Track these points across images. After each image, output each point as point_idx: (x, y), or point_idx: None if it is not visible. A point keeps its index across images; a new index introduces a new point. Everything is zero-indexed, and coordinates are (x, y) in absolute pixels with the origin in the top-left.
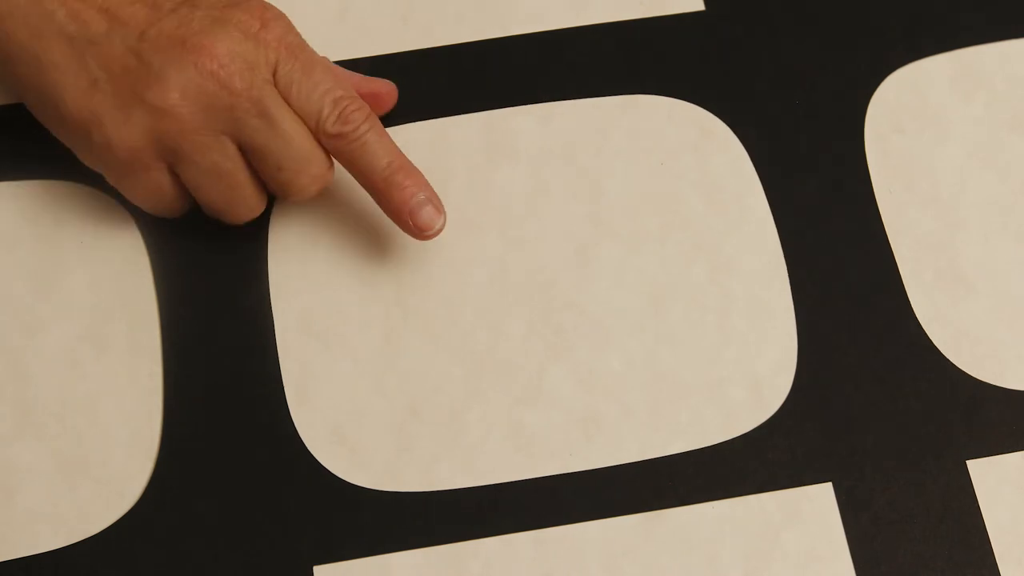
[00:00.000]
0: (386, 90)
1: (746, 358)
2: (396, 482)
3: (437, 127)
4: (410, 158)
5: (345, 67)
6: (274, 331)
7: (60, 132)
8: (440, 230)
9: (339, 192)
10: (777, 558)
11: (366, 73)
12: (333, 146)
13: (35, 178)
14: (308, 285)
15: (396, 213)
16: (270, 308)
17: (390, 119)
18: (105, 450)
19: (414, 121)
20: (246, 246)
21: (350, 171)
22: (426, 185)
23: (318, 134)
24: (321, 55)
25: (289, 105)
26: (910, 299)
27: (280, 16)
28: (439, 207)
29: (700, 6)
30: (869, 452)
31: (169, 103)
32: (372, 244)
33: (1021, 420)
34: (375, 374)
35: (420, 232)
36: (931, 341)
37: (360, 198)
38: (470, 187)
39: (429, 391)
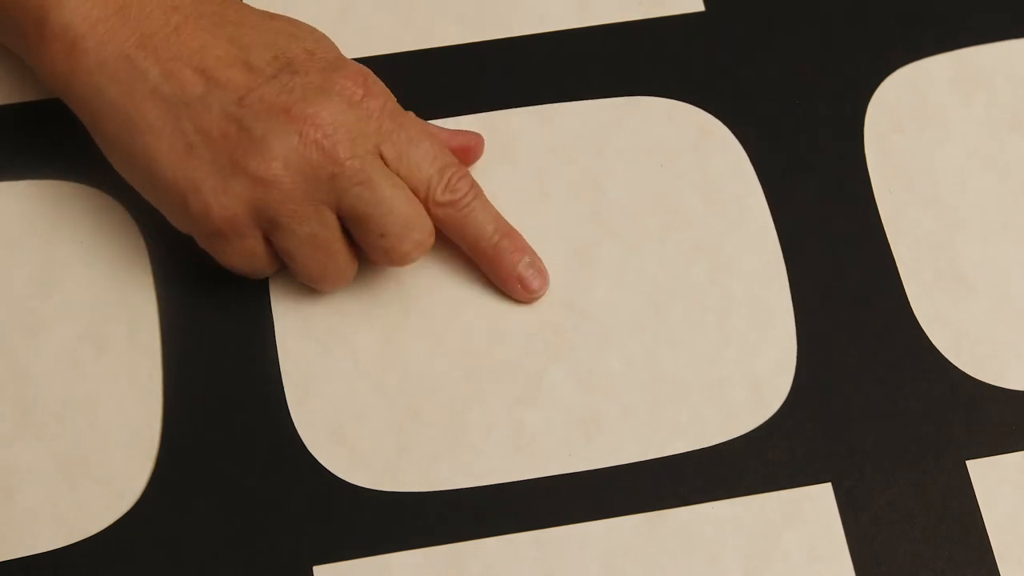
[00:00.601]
0: (475, 143)
1: (746, 358)
2: (396, 482)
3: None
4: None
5: None
6: (274, 331)
7: (151, 196)
8: (543, 292)
9: None
10: (777, 558)
11: None
12: (441, 214)
13: (35, 178)
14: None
15: (505, 279)
16: (270, 308)
17: None
18: (105, 450)
19: None
20: None
21: (456, 238)
22: (529, 249)
23: (427, 203)
24: (415, 116)
25: (399, 175)
26: (910, 299)
27: (379, 82)
28: (542, 269)
29: (700, 7)
30: (869, 452)
31: (272, 173)
32: None
33: (1021, 420)
34: (375, 374)
35: (528, 295)
36: (931, 341)
37: None
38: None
39: (429, 391)
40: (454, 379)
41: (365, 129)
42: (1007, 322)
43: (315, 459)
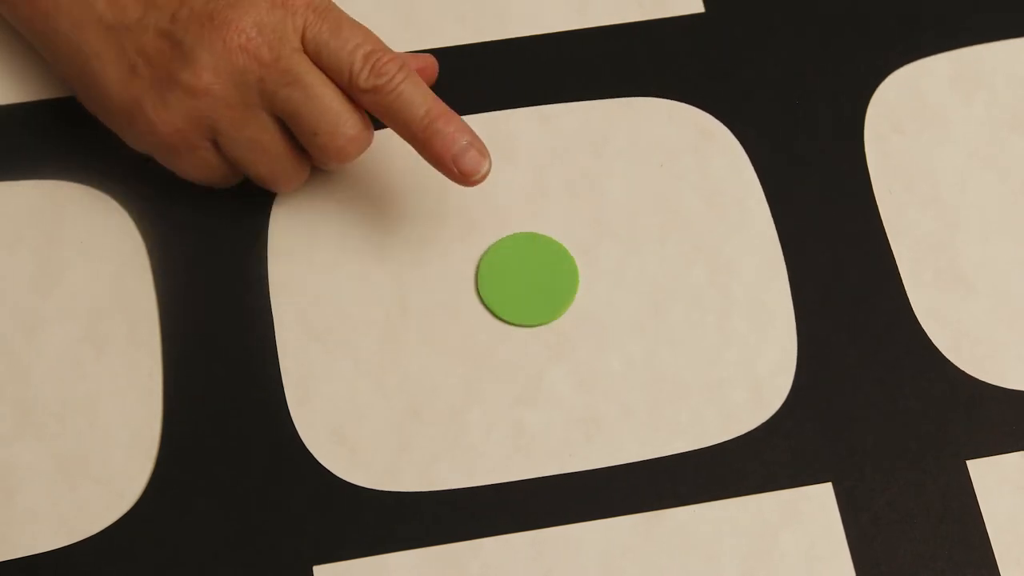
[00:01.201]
0: (422, 65)
1: (746, 358)
2: (396, 482)
3: None
4: (410, 158)
5: None
6: (274, 331)
7: (108, 120)
8: (486, 175)
9: (340, 192)
10: (777, 558)
11: None
12: (369, 101)
13: (35, 178)
14: (308, 285)
15: (439, 161)
16: (270, 308)
17: None
18: (105, 450)
19: None
20: (246, 246)
21: (389, 124)
22: (468, 130)
23: (352, 91)
24: (340, 8)
25: (320, 67)
26: (910, 299)
27: None
28: (483, 151)
29: (700, 8)
30: (869, 452)
31: (203, 83)
32: (372, 244)
33: (1021, 420)
34: (375, 374)
35: (466, 178)
36: (931, 341)
37: (361, 198)
38: (471, 187)
39: (429, 391)
40: (454, 379)
41: (290, 26)
42: (1007, 322)
43: (315, 459)
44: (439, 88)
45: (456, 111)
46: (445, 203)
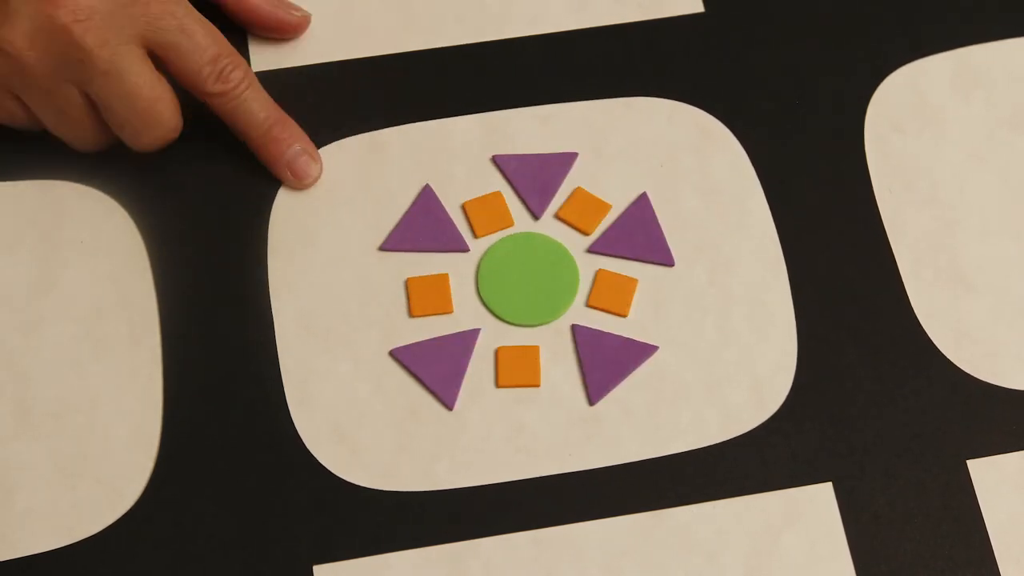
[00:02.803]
0: (290, 20)
1: (746, 358)
2: (396, 482)
3: (437, 127)
4: (410, 158)
5: (346, 67)
6: (274, 331)
7: None
8: (317, 178)
9: (340, 192)
10: (777, 558)
11: (368, 74)
12: (214, 103)
13: (35, 178)
14: (308, 285)
15: (274, 164)
16: (270, 308)
17: (391, 120)
18: (105, 450)
19: (414, 121)
20: (246, 245)
21: (230, 126)
22: (302, 136)
23: (197, 92)
24: (189, 4)
25: (168, 64)
26: (910, 299)
27: None
28: (315, 156)
29: (700, 8)
30: (869, 452)
31: (15, 47)
32: (372, 244)
33: (1021, 420)
34: (375, 374)
35: (299, 181)
36: (931, 341)
37: (360, 198)
38: (470, 188)
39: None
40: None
41: (127, 15)
42: (1007, 322)
43: (315, 459)
44: (438, 88)
45: (456, 111)
46: (444, 204)
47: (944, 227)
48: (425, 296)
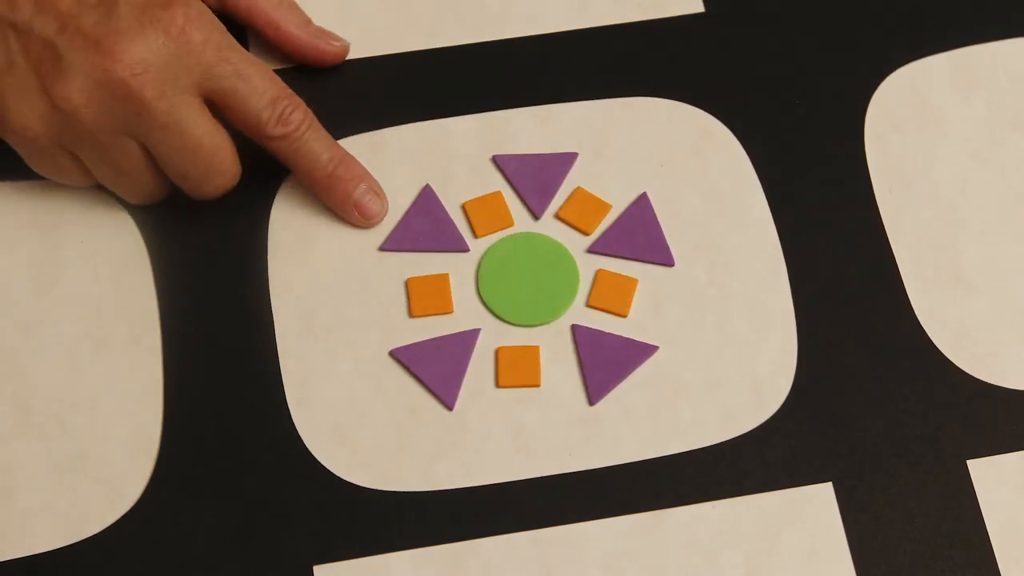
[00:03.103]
0: (331, 51)
1: (746, 358)
2: (396, 482)
3: (437, 127)
4: (410, 158)
5: (346, 67)
6: (274, 331)
7: None
8: (384, 216)
9: None
10: (777, 558)
11: (368, 74)
12: (275, 147)
13: (35, 178)
14: (308, 285)
15: (341, 206)
16: (270, 308)
17: (392, 119)
18: (105, 450)
19: (414, 121)
20: (246, 246)
21: (291, 168)
22: (365, 174)
23: (258, 137)
24: (242, 48)
25: (226, 111)
26: (910, 299)
27: (205, 12)
28: (380, 193)
29: (700, 8)
30: (869, 452)
31: (72, 104)
32: (372, 244)
33: (1021, 420)
34: (375, 374)
35: (367, 221)
36: (931, 341)
37: None
38: (470, 187)
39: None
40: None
41: (182, 65)
42: (1007, 322)
43: (315, 459)
44: (438, 88)
45: (456, 111)
46: (444, 203)
47: (944, 227)
48: (425, 296)
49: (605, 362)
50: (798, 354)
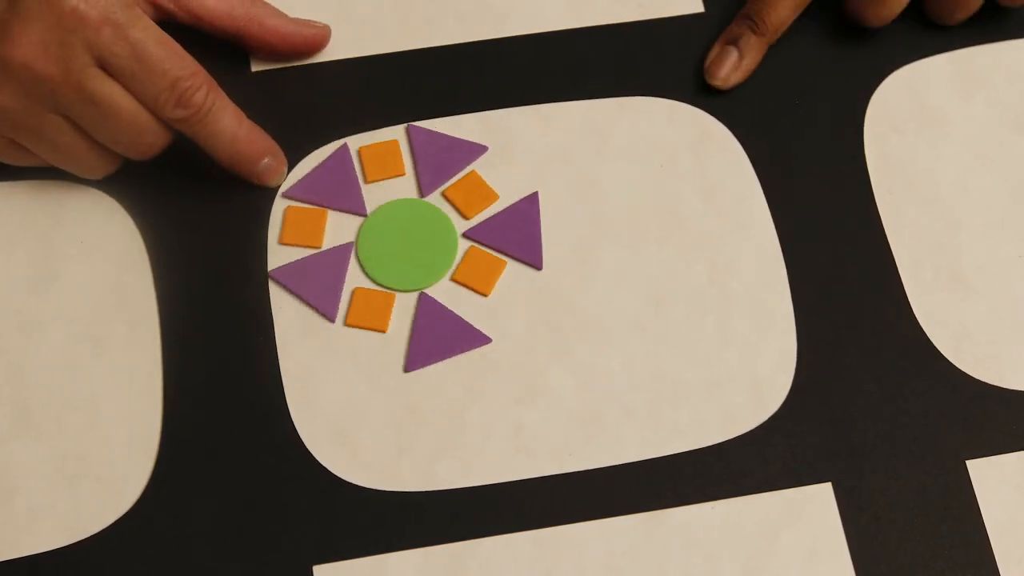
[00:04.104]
0: (313, 35)
1: (746, 358)
2: (396, 482)
3: (437, 127)
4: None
5: (346, 66)
6: (274, 331)
7: None
8: (285, 177)
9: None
10: (777, 558)
11: (367, 74)
12: (175, 126)
13: (35, 178)
14: None
15: (244, 177)
16: (270, 308)
17: (391, 119)
18: (105, 450)
19: (414, 121)
20: (246, 246)
21: (196, 143)
22: (269, 148)
23: (159, 117)
24: (149, 22)
25: (127, 89)
26: (909, 299)
27: None
28: (281, 165)
29: (700, 8)
30: (869, 452)
31: None
32: None
33: (1021, 420)
34: (375, 374)
35: (269, 186)
36: (931, 341)
37: None
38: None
39: (429, 391)
40: (454, 379)
41: (79, 40)
42: (1007, 322)
43: (315, 459)
44: (438, 87)
45: (456, 110)
46: (444, 204)
47: (944, 227)
48: (298, 225)
49: (435, 337)
50: (798, 354)
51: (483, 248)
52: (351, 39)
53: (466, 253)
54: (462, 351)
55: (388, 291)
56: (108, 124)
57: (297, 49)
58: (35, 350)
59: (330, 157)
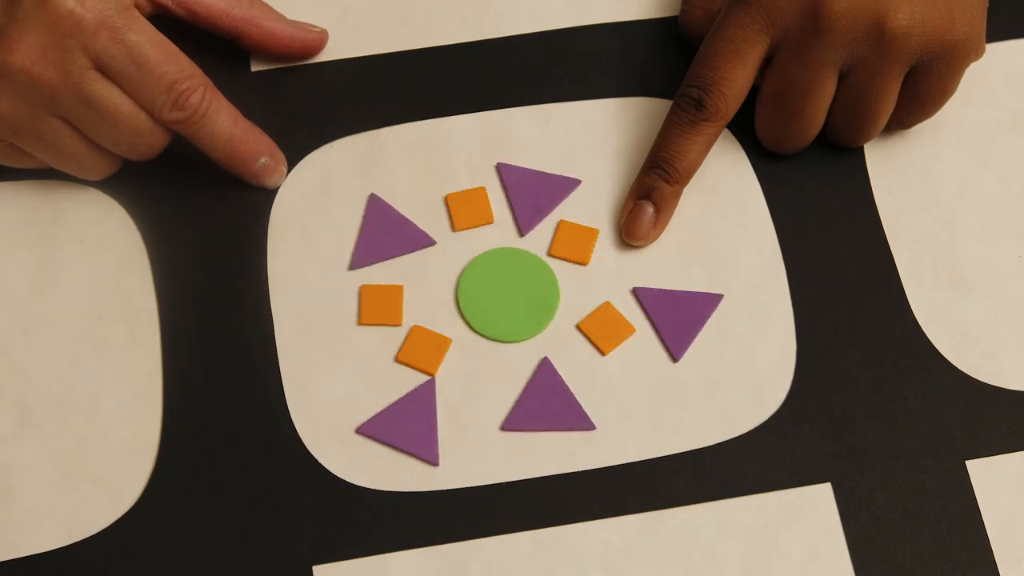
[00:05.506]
0: (310, 39)
1: (745, 358)
2: (396, 482)
3: (437, 127)
4: (410, 158)
5: (345, 66)
6: (274, 331)
7: None
8: (281, 182)
9: (340, 191)
10: (777, 558)
11: (367, 73)
12: (172, 128)
13: (35, 178)
14: (308, 285)
15: (241, 178)
16: (270, 308)
17: (391, 119)
18: (105, 450)
19: (414, 121)
20: (246, 246)
21: (193, 143)
22: (266, 147)
23: (156, 119)
24: (146, 24)
25: (124, 91)
26: (909, 300)
27: None
28: (279, 164)
29: None
30: (869, 452)
31: None
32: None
33: (1020, 420)
34: (375, 374)
35: (265, 187)
36: (930, 341)
37: (360, 198)
38: (470, 187)
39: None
40: (454, 379)
41: (77, 44)
42: (1007, 322)
43: (315, 459)
44: (438, 87)
45: (456, 110)
46: (444, 202)
47: (944, 228)
48: (376, 305)
49: (542, 406)
50: (798, 354)
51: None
52: (351, 39)
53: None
54: (561, 430)
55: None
56: (107, 126)
57: (294, 53)
58: (35, 350)
59: (366, 215)
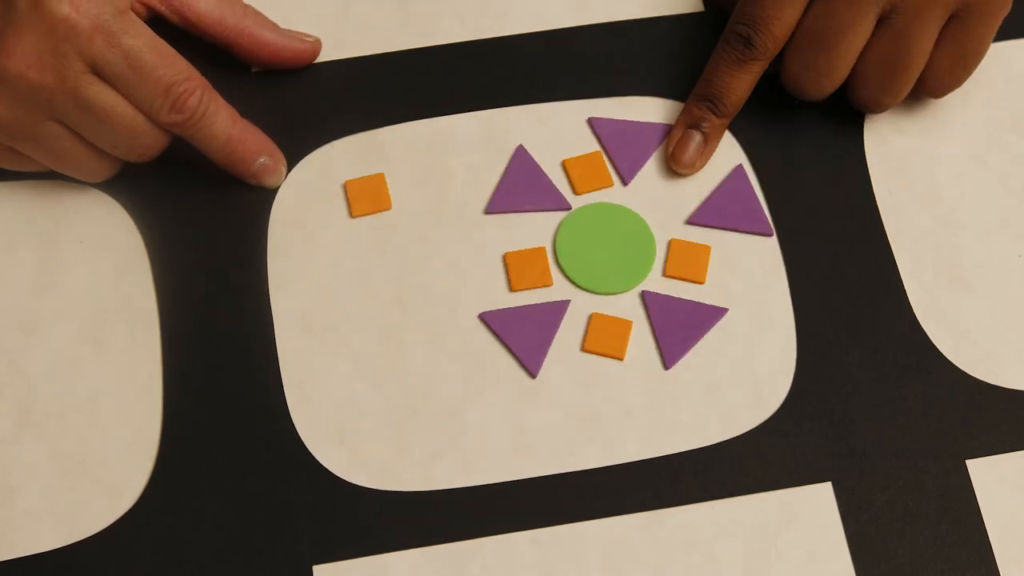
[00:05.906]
0: (306, 47)
1: (746, 358)
2: (396, 482)
3: (437, 126)
4: (409, 157)
5: (345, 66)
6: (274, 331)
7: None
8: (280, 182)
9: (339, 191)
10: (777, 558)
11: (367, 73)
12: (170, 130)
13: (36, 179)
14: (308, 285)
15: (241, 178)
16: (270, 308)
17: (391, 118)
18: (105, 450)
19: (414, 120)
20: (246, 246)
21: (192, 144)
22: (265, 147)
23: (154, 121)
24: (142, 28)
25: (121, 94)
26: (909, 299)
27: None
28: (278, 164)
29: (699, 7)
30: (869, 452)
31: None
32: (372, 243)
33: (1021, 420)
34: (375, 374)
35: (265, 187)
36: (931, 341)
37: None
38: (469, 186)
39: (429, 391)
40: (454, 379)
41: (73, 48)
42: (1007, 322)
43: (315, 459)
44: (437, 86)
45: (455, 109)
46: (443, 204)
47: (944, 227)
48: (524, 269)
49: (676, 327)
50: (798, 354)
51: (684, 240)
52: (351, 39)
53: (670, 246)
54: (709, 329)
55: (623, 319)
56: (105, 129)
57: (286, 62)
58: (35, 350)
59: (511, 164)
